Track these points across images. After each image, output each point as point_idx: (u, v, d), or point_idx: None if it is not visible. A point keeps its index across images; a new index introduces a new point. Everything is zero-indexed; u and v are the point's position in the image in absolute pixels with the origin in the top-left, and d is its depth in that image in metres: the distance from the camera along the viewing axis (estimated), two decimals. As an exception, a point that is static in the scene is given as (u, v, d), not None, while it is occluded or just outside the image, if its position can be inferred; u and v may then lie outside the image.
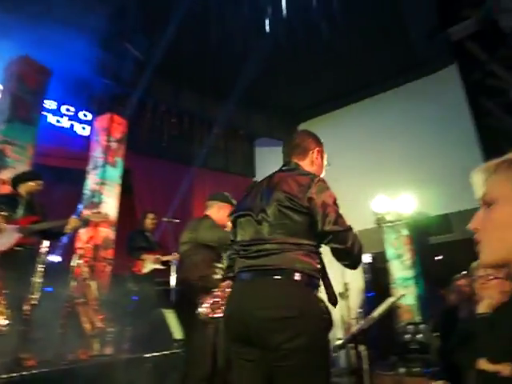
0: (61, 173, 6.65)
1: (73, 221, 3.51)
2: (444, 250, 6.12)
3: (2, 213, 3.07)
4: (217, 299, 2.34)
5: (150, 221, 5.47)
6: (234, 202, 2.93)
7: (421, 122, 6.87)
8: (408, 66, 7.26)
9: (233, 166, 9.13)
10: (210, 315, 2.30)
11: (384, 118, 7.35)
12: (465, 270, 3.52)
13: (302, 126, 9.05)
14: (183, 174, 8.05)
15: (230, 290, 2.12)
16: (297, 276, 1.44)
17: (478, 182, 0.80)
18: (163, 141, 8.07)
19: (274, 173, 1.71)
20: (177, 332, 3.38)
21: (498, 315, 1.99)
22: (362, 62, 6.93)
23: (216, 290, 2.34)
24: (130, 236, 5.15)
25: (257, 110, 8.85)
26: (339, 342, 2.70)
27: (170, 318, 3.49)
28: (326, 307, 1.51)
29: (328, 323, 1.49)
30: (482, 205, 0.79)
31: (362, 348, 2.46)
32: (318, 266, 1.55)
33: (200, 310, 2.32)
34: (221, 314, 2.33)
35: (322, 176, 1.74)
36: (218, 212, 2.91)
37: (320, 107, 8.63)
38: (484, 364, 1.55)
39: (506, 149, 0.80)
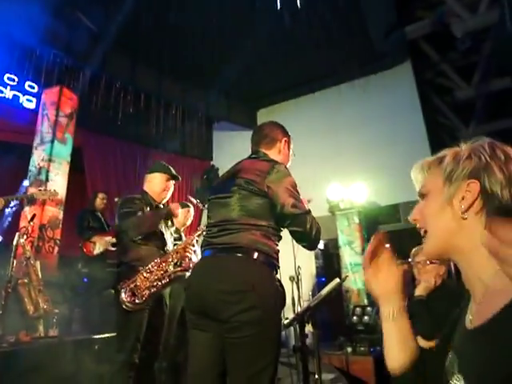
0: (4, 147, 6.21)
1: None
2: (392, 237, 6.42)
3: None
4: (135, 285, 2.32)
5: (100, 200, 5.29)
6: (172, 171, 2.87)
7: (376, 113, 7.12)
8: (366, 60, 7.45)
9: (190, 149, 8.98)
10: (129, 303, 2.28)
11: (343, 108, 7.52)
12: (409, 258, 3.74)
13: (262, 112, 9.07)
14: (138, 155, 7.82)
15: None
16: (255, 255, 1.50)
17: (416, 177, 0.88)
18: (118, 119, 7.74)
19: (241, 160, 1.84)
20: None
21: (432, 297, 2.16)
22: (324, 53, 7.01)
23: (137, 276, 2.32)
24: (80, 215, 4.96)
25: (216, 93, 8.72)
26: (287, 321, 2.78)
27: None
28: (282, 286, 1.57)
29: (282, 300, 1.55)
30: (420, 198, 0.87)
31: (309, 327, 2.54)
32: (277, 248, 1.62)
33: (121, 296, 2.31)
34: (140, 302, 2.31)
35: (287, 165, 1.87)
36: (154, 183, 2.81)
37: (281, 94, 8.67)
38: (420, 341, 1.69)
39: (449, 143, 0.87)
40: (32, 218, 3.71)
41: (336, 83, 7.93)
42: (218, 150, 9.31)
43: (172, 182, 2.84)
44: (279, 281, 1.58)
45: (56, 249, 4.98)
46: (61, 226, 5.20)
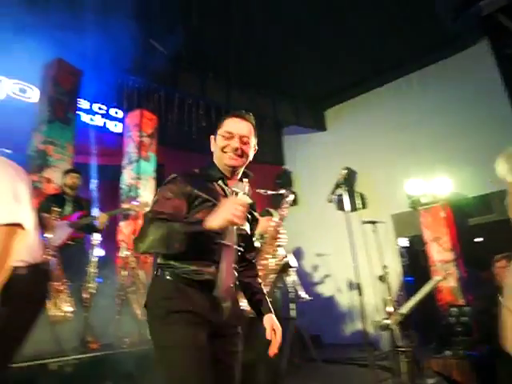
0: (99, 169, 6.87)
1: (102, 216, 3.72)
2: (484, 231, 5.98)
3: (55, 209, 3.24)
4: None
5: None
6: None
7: (454, 99, 6.69)
8: (438, 44, 7.04)
9: (261, 156, 9.14)
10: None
11: (415, 99, 7.18)
12: (506, 251, 3.47)
13: (330, 113, 8.98)
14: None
15: None
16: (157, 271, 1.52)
17: (503, 168, 0.84)
18: (192, 133, 8.19)
19: None
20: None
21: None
22: (389, 43, 6.78)
23: None
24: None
25: (283, 97, 8.83)
26: (383, 323, 2.73)
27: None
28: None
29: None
30: None
31: (408, 331, 2.48)
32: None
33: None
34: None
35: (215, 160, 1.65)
36: None
37: (347, 92, 8.51)
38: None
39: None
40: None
41: (405, 73, 7.60)
42: (289, 154, 9.39)
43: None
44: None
45: (150, 258, 5.39)
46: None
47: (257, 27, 6.61)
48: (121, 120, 7.41)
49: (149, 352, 2.92)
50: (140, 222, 5.54)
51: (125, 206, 5.48)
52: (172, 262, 1.44)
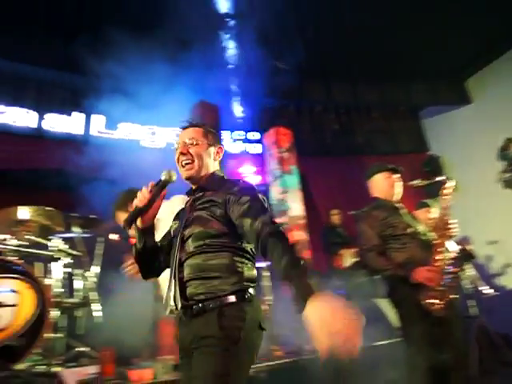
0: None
1: None
2: None
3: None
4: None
5: (335, 217, 5.65)
6: (387, 166, 2.74)
7: None
8: None
9: (402, 145, 8.62)
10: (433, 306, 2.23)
11: None
12: None
13: (471, 83, 7.94)
14: (353, 166, 8.03)
15: None
16: None
17: None
18: (326, 138, 8.25)
19: None
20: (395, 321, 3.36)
21: None
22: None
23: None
24: (323, 234, 5.41)
25: (415, 80, 8.19)
26: None
27: (386, 306, 3.50)
28: None
29: None
30: None
31: None
32: None
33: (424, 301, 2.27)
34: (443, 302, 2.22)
35: None
36: (378, 186, 2.73)
37: (487, 55, 7.40)
38: None
39: None
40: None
41: None
42: (432, 138, 8.59)
43: (395, 176, 2.74)
44: None
45: (309, 267, 5.56)
46: (308, 246, 5.81)
47: (366, 19, 6.34)
48: (258, 141, 7.94)
49: (330, 357, 3.01)
50: (293, 233, 5.80)
51: (279, 220, 5.84)
52: None
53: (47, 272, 2.90)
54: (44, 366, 2.53)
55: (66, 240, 3.13)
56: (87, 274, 3.23)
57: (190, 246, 1.40)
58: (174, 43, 5.98)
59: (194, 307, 1.33)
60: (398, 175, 2.74)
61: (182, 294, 1.35)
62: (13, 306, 2.32)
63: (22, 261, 2.58)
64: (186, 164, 1.53)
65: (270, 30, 6.53)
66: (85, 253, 3.25)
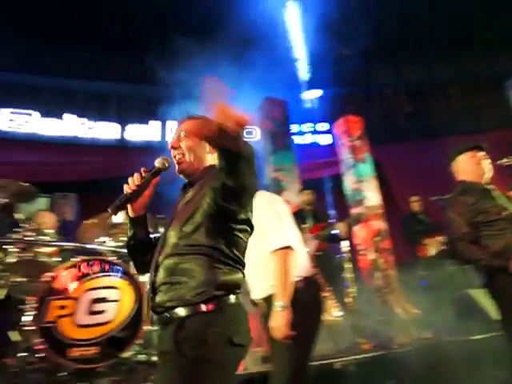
0: (311, 183, 7.35)
1: (341, 225, 3.87)
2: None
3: (303, 226, 3.67)
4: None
5: (415, 204, 5.36)
6: (469, 145, 2.46)
7: None
8: None
9: (486, 122, 7.89)
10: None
11: None
12: None
13: None
14: (432, 149, 7.54)
15: None
16: None
17: None
18: (399, 122, 7.85)
19: None
20: (493, 313, 3.10)
21: None
22: None
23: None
24: (404, 222, 5.16)
25: (499, 48, 7.44)
26: None
27: (482, 298, 3.25)
28: None
29: None
30: None
31: None
32: None
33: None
34: None
35: None
36: (463, 167, 2.47)
37: None
38: None
39: None
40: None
41: None
42: (524, 109, 7.72)
43: (481, 154, 2.46)
44: None
45: (391, 258, 5.34)
46: (388, 236, 5.58)
47: None
48: (328, 132, 7.80)
49: (421, 351, 2.88)
50: (372, 223, 5.61)
51: (355, 211, 5.69)
52: None
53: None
54: (144, 356, 2.75)
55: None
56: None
57: (169, 246, 1.27)
58: (237, 43, 6.11)
59: (163, 316, 1.19)
60: (484, 153, 2.47)
61: (152, 301, 1.23)
62: (115, 301, 2.57)
63: (120, 260, 2.84)
64: (177, 160, 1.42)
65: (333, 16, 6.38)
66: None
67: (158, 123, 7.10)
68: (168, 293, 1.20)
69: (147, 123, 7.09)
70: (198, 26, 6.18)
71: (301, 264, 1.94)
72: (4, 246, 2.85)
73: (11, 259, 2.82)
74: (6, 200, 2.95)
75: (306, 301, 1.89)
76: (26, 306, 2.56)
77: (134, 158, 6.33)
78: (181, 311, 1.16)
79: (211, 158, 1.43)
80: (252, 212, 1.30)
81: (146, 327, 2.64)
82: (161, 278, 1.23)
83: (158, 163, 1.38)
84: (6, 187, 2.98)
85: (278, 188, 5.61)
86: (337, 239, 3.97)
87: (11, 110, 6.76)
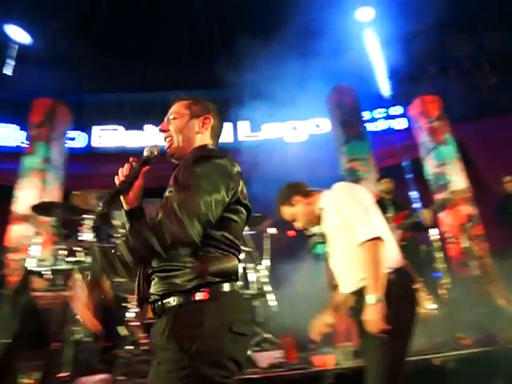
0: (400, 168, 7.00)
1: (425, 212, 3.64)
2: None
3: (387, 215, 3.54)
4: None
5: (509, 184, 4.88)
6: None
7: None
8: None
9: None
10: None
11: None
12: None
13: None
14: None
15: None
16: None
17: None
18: (482, 96, 7.18)
19: None
20: None
21: None
22: None
23: None
24: (498, 205, 4.73)
25: None
26: None
27: None
28: None
29: None
30: None
31: None
32: None
33: None
34: None
35: None
36: None
37: None
38: None
39: None
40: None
41: None
42: None
43: None
44: None
45: (485, 245, 4.92)
46: (479, 221, 5.15)
47: None
48: (403, 115, 7.40)
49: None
50: (460, 208, 5.21)
51: (439, 196, 5.34)
52: None
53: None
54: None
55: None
56: (259, 267, 3.53)
57: None
58: (302, 33, 6.05)
59: (155, 305, 1.14)
60: None
61: (146, 290, 1.19)
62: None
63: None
64: (168, 141, 1.36)
65: None
66: (254, 248, 3.56)
67: (230, 124, 7.32)
68: (161, 281, 1.14)
69: (220, 125, 7.35)
70: (261, 25, 6.23)
71: (391, 255, 1.87)
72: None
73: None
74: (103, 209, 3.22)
75: (399, 293, 1.82)
76: (128, 304, 2.79)
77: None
78: (173, 300, 1.10)
79: (200, 138, 1.36)
80: (243, 188, 1.23)
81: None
82: (153, 267, 1.17)
83: (146, 151, 1.33)
84: (103, 197, 3.26)
85: (354, 178, 5.48)
86: (421, 228, 3.75)
87: (100, 127, 7.49)
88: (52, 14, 6.40)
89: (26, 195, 5.25)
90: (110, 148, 7.45)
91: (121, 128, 7.42)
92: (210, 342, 1.04)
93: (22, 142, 7.08)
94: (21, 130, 7.38)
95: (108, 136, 7.49)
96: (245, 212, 1.23)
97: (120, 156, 7.09)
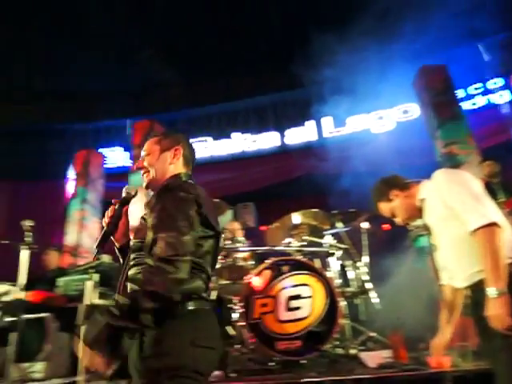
0: (503, 147, 6.29)
1: None
2: None
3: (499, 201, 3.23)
4: None
5: None
6: None
7: None
8: None
9: None
10: None
11: None
12: None
13: None
14: None
15: None
16: None
17: None
18: None
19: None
20: None
21: None
22: None
23: None
24: None
25: None
26: None
27: None
28: None
29: None
30: None
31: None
32: None
33: None
34: None
35: None
36: None
37: None
38: None
39: None
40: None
41: None
42: None
43: None
44: None
45: None
46: None
47: None
48: (504, 87, 6.62)
49: None
50: None
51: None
52: None
53: (325, 266, 3.25)
54: (342, 349, 2.83)
55: (333, 235, 3.45)
56: (358, 264, 3.45)
57: (131, 257, 1.35)
58: (381, 17, 5.77)
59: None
60: None
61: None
62: (309, 297, 2.73)
63: (306, 258, 3.00)
64: (145, 176, 1.50)
65: None
66: (351, 245, 3.49)
67: (313, 122, 7.30)
68: None
69: (303, 125, 7.39)
70: (335, 14, 6.09)
71: (509, 243, 1.68)
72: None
73: (217, 265, 3.29)
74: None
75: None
76: (233, 305, 2.94)
77: (296, 161, 6.64)
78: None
79: (174, 168, 1.49)
80: (209, 215, 1.30)
81: (341, 321, 2.72)
82: (128, 290, 1.28)
83: (124, 192, 1.51)
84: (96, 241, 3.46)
85: (453, 163, 5.05)
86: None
87: (191, 140, 7.90)
88: (140, 44, 7.06)
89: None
90: (200, 158, 7.90)
91: (209, 139, 7.84)
92: (174, 359, 1.13)
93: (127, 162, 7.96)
94: (125, 151, 8.28)
95: (199, 147, 7.93)
96: (211, 233, 1.32)
97: (210, 165, 7.50)
